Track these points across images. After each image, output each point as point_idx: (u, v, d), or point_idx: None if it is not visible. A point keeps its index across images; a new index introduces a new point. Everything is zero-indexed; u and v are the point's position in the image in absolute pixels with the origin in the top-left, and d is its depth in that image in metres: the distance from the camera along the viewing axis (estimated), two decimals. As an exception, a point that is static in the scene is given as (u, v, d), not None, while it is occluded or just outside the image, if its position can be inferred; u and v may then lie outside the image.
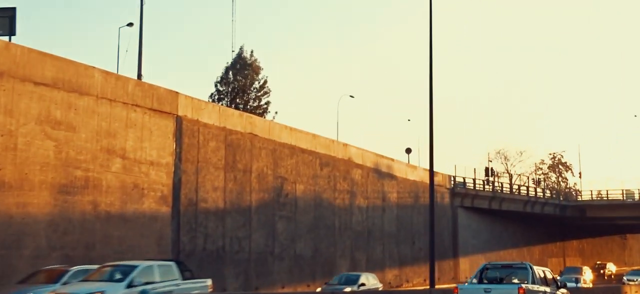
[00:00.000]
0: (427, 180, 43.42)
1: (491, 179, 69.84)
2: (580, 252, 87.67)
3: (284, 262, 38.31)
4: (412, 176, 54.40)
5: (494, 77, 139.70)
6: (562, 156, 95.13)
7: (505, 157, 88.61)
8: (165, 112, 31.13)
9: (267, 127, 38.39)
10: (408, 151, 58.87)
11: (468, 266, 61.59)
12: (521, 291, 17.99)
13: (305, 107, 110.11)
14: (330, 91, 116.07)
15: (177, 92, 32.01)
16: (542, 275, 19.44)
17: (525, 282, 18.95)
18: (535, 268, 19.47)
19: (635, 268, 74.06)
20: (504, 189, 66.13)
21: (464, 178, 61.83)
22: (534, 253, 75.08)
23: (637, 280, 47.29)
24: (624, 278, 51.63)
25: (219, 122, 34.36)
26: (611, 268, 70.78)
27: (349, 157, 45.75)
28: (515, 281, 19.61)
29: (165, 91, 31.43)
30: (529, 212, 69.22)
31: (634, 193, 72.84)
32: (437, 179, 58.35)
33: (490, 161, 72.43)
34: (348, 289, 32.52)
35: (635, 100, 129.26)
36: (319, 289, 34.89)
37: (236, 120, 35.82)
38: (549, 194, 74.58)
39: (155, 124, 30.54)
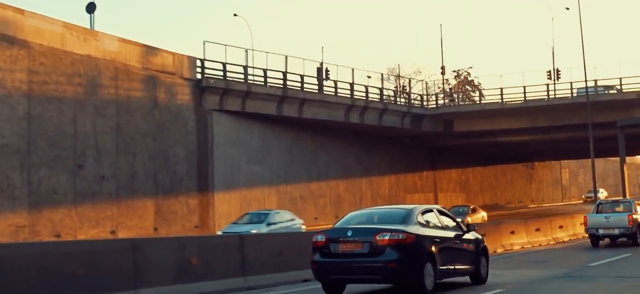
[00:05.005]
0: (115, 56, 31.90)
1: (326, 83, 46.10)
2: (463, 186, 65.01)
3: None
4: (82, 49, 30.43)
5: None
6: (469, 74, 72.48)
7: (398, 76, 65.63)
8: None
9: None
10: (91, 7, 34.50)
11: (237, 204, 38.26)
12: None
13: None
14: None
15: None
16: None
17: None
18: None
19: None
20: (306, 86, 42.46)
21: (223, 65, 38.07)
22: (379, 185, 51.96)
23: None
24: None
25: None
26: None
27: None
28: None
29: None
30: (357, 123, 45.94)
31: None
32: (161, 62, 34.51)
33: (322, 63, 48.33)
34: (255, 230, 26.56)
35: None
36: (219, 232, 30.57)
37: None
38: (402, 101, 51.33)
39: None
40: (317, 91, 43.10)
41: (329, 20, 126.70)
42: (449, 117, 51.07)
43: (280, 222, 29.11)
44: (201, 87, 36.61)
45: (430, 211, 13.55)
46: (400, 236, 11.94)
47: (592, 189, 75.25)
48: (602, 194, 65.87)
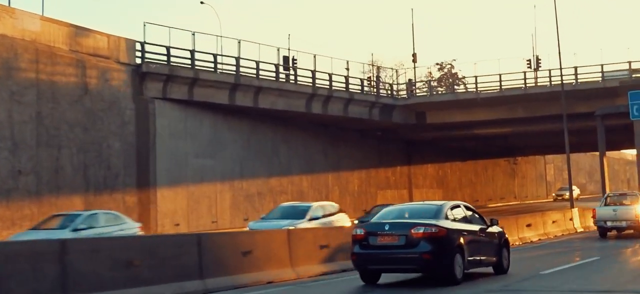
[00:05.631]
0: (37, 37, 28.66)
1: (292, 72, 42.90)
2: (441, 182, 61.86)
3: None
4: (-4, 27, 27.19)
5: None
6: (453, 66, 69.33)
7: (378, 67, 62.35)
8: None
9: None
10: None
11: (183, 201, 35.11)
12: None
13: None
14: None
15: None
16: None
17: None
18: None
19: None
20: (263, 74, 39.20)
21: (167, 50, 34.84)
22: (348, 181, 48.80)
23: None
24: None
25: None
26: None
27: None
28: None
29: None
30: (320, 114, 42.77)
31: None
32: (93, 44, 31.30)
33: (289, 50, 45.02)
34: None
35: None
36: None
37: None
38: (370, 91, 48.15)
39: None
40: (274, 79, 39.82)
41: (305, 13, 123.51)
42: (422, 108, 47.94)
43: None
44: (141, 73, 33.33)
45: (458, 206, 14.79)
46: (434, 229, 13.00)
47: (563, 187, 71.58)
48: (575, 191, 61.03)
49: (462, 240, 13.49)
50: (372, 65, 54.83)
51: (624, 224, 26.14)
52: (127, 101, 32.65)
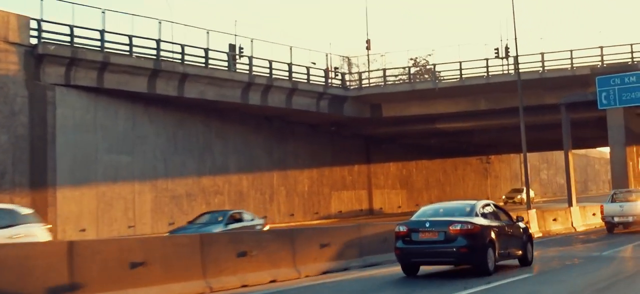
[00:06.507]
0: None
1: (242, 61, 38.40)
2: (405, 182, 57.56)
3: None
4: None
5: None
6: (427, 61, 64.85)
7: (349, 62, 58.03)
8: None
9: None
10: None
11: (92, 203, 30.73)
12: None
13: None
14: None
15: None
16: None
17: None
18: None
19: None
20: (190, 59, 34.74)
21: (71, 29, 30.37)
22: (296, 180, 44.43)
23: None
24: None
25: None
26: None
27: None
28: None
29: None
30: (259, 106, 38.44)
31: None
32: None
33: (236, 37, 40.42)
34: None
35: None
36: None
37: None
38: (317, 80, 43.71)
39: None
40: (203, 65, 35.41)
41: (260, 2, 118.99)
42: (376, 100, 43.68)
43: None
44: (37, 56, 28.87)
45: (488, 204, 16.07)
46: (469, 226, 14.51)
47: (516, 189, 64.86)
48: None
49: (493, 235, 14.85)
50: (327, 55, 50.45)
51: (630, 219, 27.61)
52: (18, 87, 28.18)
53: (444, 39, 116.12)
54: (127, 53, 32.20)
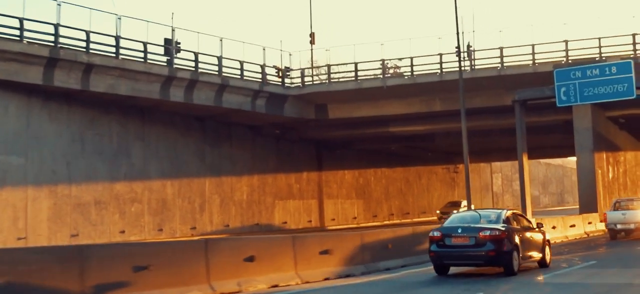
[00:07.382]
0: None
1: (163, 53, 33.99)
2: (361, 191, 53.36)
3: None
4: None
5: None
6: (398, 66, 60.72)
7: (264, 48, 53.27)
8: None
9: None
10: None
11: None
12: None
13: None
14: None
15: None
16: None
17: None
18: None
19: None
20: (95, 48, 30.39)
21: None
22: (234, 188, 40.12)
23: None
24: None
25: None
26: None
27: None
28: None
29: None
30: (182, 103, 34.18)
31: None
32: None
33: (174, 30, 36.08)
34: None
35: None
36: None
37: None
38: (253, 77, 39.41)
39: None
40: (113, 55, 31.09)
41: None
42: (321, 99, 39.57)
43: None
44: None
45: (513, 212, 17.96)
46: (497, 232, 16.21)
47: (454, 202, 56.26)
48: (463, 208, 47.58)
49: (517, 240, 16.58)
50: (264, 48, 46.19)
51: (632, 226, 28.37)
52: None
53: (394, 32, 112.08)
54: (17, 38, 27.85)
